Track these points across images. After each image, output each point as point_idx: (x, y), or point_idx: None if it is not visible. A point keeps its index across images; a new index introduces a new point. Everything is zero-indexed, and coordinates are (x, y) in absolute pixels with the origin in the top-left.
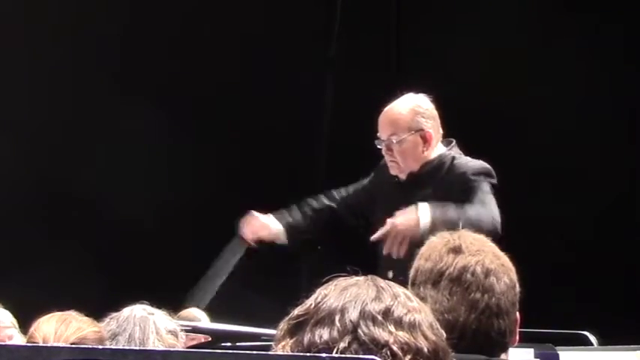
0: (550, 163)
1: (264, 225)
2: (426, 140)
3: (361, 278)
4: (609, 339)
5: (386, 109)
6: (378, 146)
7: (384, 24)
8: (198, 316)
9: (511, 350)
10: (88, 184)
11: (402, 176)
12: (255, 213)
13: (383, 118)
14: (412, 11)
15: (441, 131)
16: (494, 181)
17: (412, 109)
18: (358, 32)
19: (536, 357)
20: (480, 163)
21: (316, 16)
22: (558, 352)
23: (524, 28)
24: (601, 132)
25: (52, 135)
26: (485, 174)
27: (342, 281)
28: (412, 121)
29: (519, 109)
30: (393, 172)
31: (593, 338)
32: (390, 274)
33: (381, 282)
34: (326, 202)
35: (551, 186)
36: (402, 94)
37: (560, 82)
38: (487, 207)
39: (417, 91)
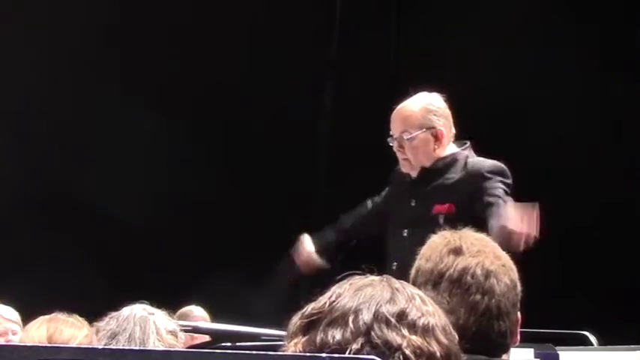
0: (550, 163)
1: (310, 257)
2: (437, 138)
3: (376, 278)
4: (609, 339)
5: (399, 106)
6: (390, 144)
7: (384, 24)
8: (196, 312)
9: (511, 350)
10: (88, 185)
11: (414, 173)
12: (304, 241)
13: (395, 115)
14: (412, 11)
15: (453, 130)
16: (509, 180)
17: (424, 107)
18: (358, 33)
19: (536, 357)
20: (494, 162)
21: (316, 17)
22: (558, 352)
23: (525, 29)
24: (601, 133)
25: (52, 135)
26: (500, 173)
27: (357, 280)
28: (424, 118)
29: (519, 110)
30: (404, 169)
31: (593, 338)
32: (394, 266)
33: (396, 283)
34: (351, 223)
35: (551, 186)
36: (403, 94)
37: (561, 82)
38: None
39: (423, 90)
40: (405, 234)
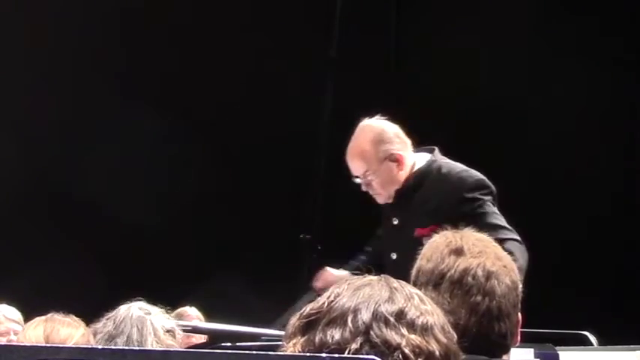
0: (550, 163)
1: (337, 279)
2: (398, 162)
3: (374, 278)
4: (609, 339)
5: (349, 148)
6: (357, 183)
7: (384, 24)
8: (190, 312)
9: (511, 350)
10: (88, 185)
11: (390, 200)
12: (328, 269)
13: (350, 159)
14: (412, 11)
15: (407, 141)
16: (490, 189)
17: (374, 140)
18: (358, 32)
19: (536, 357)
20: (472, 177)
21: (316, 17)
22: (558, 352)
23: (524, 28)
24: (600, 133)
25: (52, 135)
26: (481, 188)
27: (356, 280)
28: (379, 152)
29: (519, 109)
30: (380, 202)
31: (593, 338)
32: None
33: (395, 282)
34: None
35: (551, 186)
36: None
37: (560, 82)
38: (518, 245)
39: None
40: (394, 257)
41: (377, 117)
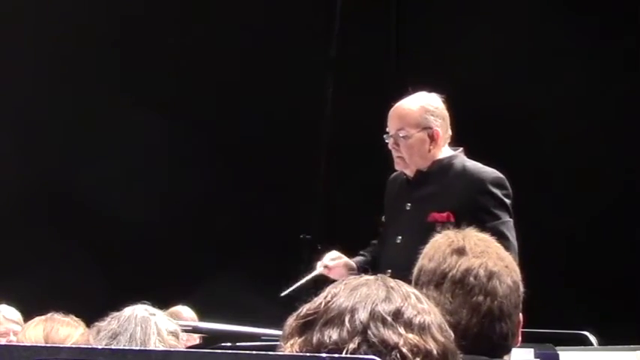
0: (551, 163)
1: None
2: (433, 138)
3: (371, 278)
4: (609, 339)
5: (397, 104)
6: (386, 140)
7: (384, 24)
8: (185, 313)
9: (512, 350)
10: (89, 185)
11: (409, 172)
12: (337, 256)
13: (393, 113)
14: (412, 11)
15: (449, 132)
16: (509, 191)
17: (422, 107)
18: (358, 32)
19: (536, 357)
20: (495, 172)
21: (316, 16)
22: (558, 352)
23: (525, 28)
24: (602, 133)
25: (52, 135)
26: (502, 186)
27: (352, 280)
28: (421, 117)
29: (520, 110)
30: (397, 167)
31: (593, 338)
32: (388, 274)
33: (391, 282)
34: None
35: (552, 186)
36: (403, 94)
37: (562, 82)
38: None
39: (423, 90)
40: (399, 240)
41: (436, 94)
